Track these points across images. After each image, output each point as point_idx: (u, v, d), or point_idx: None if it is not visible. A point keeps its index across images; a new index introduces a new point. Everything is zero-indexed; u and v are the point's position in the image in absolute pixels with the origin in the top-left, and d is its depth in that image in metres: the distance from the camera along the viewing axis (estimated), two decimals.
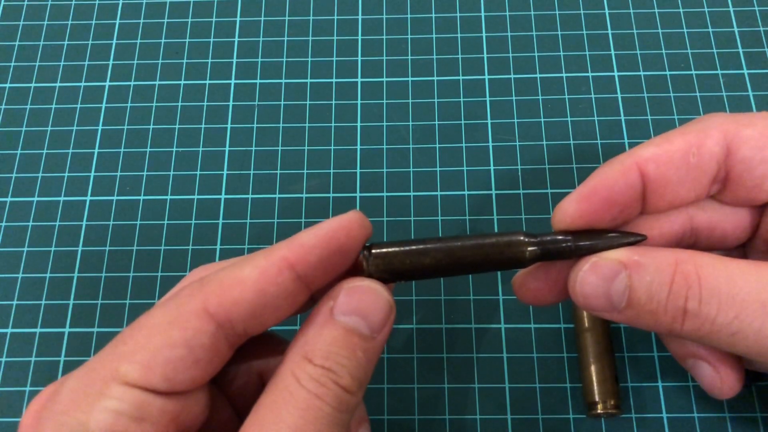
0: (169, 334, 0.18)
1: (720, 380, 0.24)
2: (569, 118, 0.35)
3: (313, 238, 0.20)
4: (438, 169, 0.34)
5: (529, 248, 0.21)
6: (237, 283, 0.19)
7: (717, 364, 0.24)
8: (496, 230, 0.33)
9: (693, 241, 0.24)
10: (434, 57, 0.37)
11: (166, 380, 0.18)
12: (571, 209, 0.21)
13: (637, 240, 0.21)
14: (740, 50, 0.36)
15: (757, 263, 0.20)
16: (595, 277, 0.21)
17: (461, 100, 0.36)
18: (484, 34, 0.37)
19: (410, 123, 0.35)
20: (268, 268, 0.19)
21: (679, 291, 0.20)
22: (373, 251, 0.21)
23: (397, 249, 0.21)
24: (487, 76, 0.36)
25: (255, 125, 0.35)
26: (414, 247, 0.21)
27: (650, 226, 0.23)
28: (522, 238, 0.21)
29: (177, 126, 0.36)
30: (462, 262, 0.21)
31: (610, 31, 0.37)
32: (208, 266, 0.22)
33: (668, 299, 0.20)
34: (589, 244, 0.21)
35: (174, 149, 0.35)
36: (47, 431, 0.17)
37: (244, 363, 0.22)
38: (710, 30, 0.37)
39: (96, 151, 0.35)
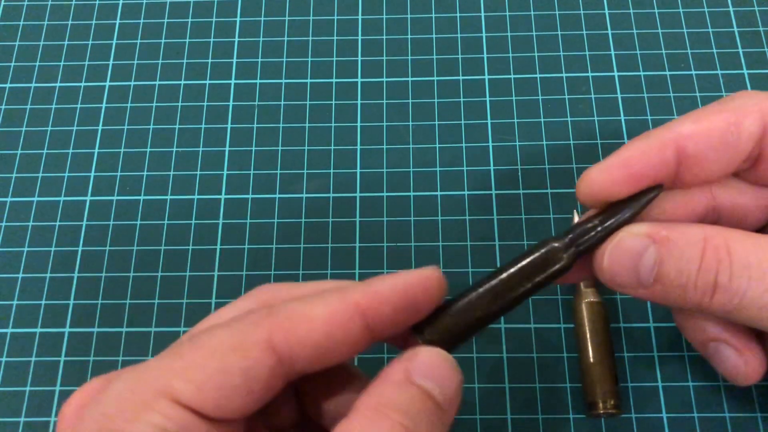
0: (228, 360, 0.17)
1: (744, 363, 0.24)
2: (569, 118, 0.35)
3: (388, 289, 0.19)
4: (438, 169, 0.34)
5: (566, 254, 0.21)
6: (306, 321, 0.18)
7: (740, 346, 0.24)
8: (496, 231, 0.33)
9: (715, 219, 0.24)
10: (434, 57, 0.37)
11: (217, 406, 0.17)
12: (600, 179, 0.21)
13: (655, 194, 0.21)
14: (740, 50, 0.36)
15: None
16: (622, 252, 0.20)
17: (461, 100, 0.36)
18: (484, 34, 0.37)
19: (410, 123, 0.35)
20: (340, 311, 0.18)
21: (709, 265, 0.20)
22: (426, 330, 0.20)
23: (449, 319, 0.20)
24: (487, 76, 0.36)
25: (255, 125, 0.35)
26: (461, 304, 0.20)
27: (674, 202, 0.23)
28: (556, 245, 0.21)
29: (177, 126, 0.36)
30: (511, 297, 0.20)
31: (610, 31, 0.37)
32: (273, 286, 0.21)
33: (699, 274, 0.20)
34: (615, 220, 0.21)
35: (174, 149, 0.35)
36: None
37: (287, 397, 0.21)
38: (710, 30, 0.37)
39: (96, 151, 0.35)
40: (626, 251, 0.20)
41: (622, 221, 0.21)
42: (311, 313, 0.18)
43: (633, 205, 0.21)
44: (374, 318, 0.19)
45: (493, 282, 0.20)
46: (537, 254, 0.21)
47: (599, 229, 0.21)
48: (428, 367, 0.18)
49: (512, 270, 0.21)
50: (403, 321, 0.20)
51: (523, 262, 0.21)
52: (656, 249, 0.20)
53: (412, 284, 0.19)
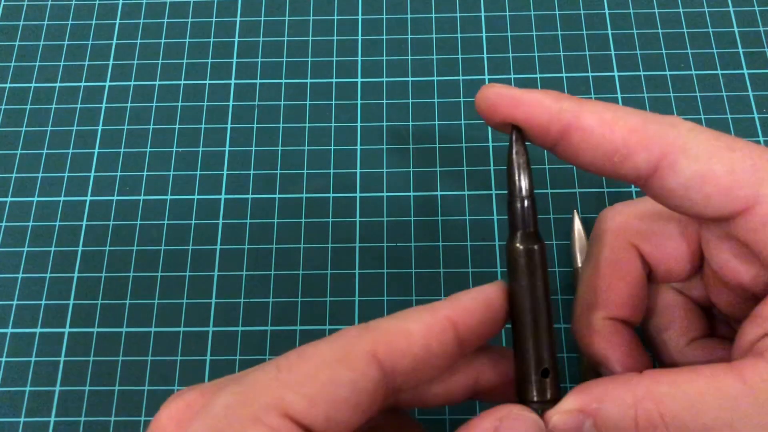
0: (337, 372, 0.17)
1: None
2: None
3: (473, 302, 0.20)
4: (437, 169, 0.34)
5: (518, 245, 0.21)
6: (404, 334, 0.18)
7: None
8: (496, 231, 0.33)
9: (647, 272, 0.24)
10: (434, 57, 0.37)
11: (327, 419, 0.17)
12: (491, 100, 0.21)
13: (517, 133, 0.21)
14: (740, 50, 0.36)
15: (695, 368, 0.19)
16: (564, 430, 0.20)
17: (461, 100, 0.36)
18: (484, 34, 0.37)
19: (410, 123, 0.35)
20: (434, 324, 0.19)
21: (645, 430, 0.19)
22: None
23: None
24: (487, 76, 0.36)
25: (255, 125, 0.35)
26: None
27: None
28: (513, 244, 0.21)
29: (177, 126, 0.36)
30: (525, 305, 0.21)
31: (610, 31, 0.37)
32: None
33: None
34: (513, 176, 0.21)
35: (174, 149, 0.35)
36: None
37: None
38: (710, 30, 0.37)
39: (96, 151, 0.35)
40: (567, 429, 0.20)
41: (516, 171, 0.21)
42: (407, 327, 0.19)
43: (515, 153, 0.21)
44: (464, 331, 0.19)
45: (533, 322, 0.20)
46: (517, 261, 0.21)
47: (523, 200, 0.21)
48: (517, 428, 0.19)
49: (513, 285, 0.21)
50: (484, 335, 0.20)
51: (521, 282, 0.21)
52: (592, 422, 0.20)
53: (491, 298, 0.20)
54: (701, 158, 0.19)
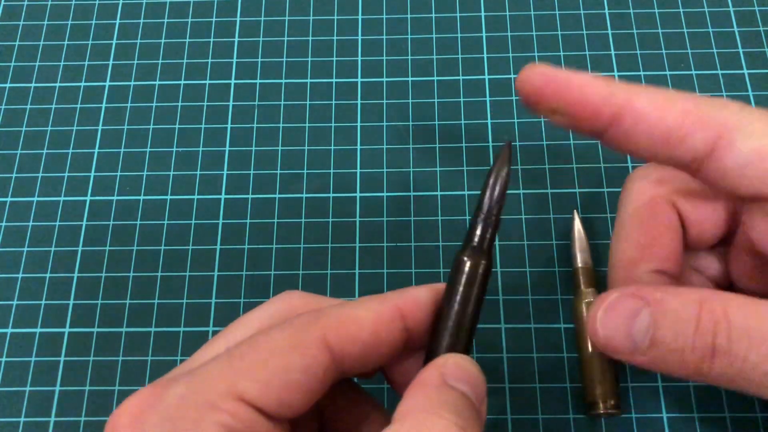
0: (289, 358, 0.18)
1: None
2: None
3: (423, 295, 0.20)
4: (438, 169, 0.34)
5: (466, 257, 0.21)
6: (354, 321, 0.19)
7: None
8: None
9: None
10: (434, 57, 0.37)
11: (280, 405, 0.17)
12: (535, 82, 0.21)
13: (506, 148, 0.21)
14: (740, 50, 0.36)
15: None
16: (615, 315, 0.20)
17: (461, 100, 0.36)
18: (484, 34, 0.37)
19: (410, 123, 0.35)
20: (383, 313, 0.19)
21: (706, 327, 0.19)
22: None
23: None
24: (487, 76, 0.36)
25: (255, 125, 0.35)
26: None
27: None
28: (460, 257, 0.21)
29: (177, 126, 0.36)
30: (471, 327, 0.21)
31: (610, 31, 0.37)
32: (300, 293, 0.22)
33: (695, 335, 0.19)
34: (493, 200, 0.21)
35: (174, 149, 0.35)
36: None
37: (313, 415, 0.22)
38: (710, 30, 0.37)
39: (96, 151, 0.35)
40: (619, 313, 0.20)
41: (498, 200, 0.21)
42: (357, 314, 0.19)
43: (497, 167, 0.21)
44: (412, 322, 0.20)
45: (453, 321, 0.20)
46: (459, 276, 0.21)
47: (481, 217, 0.21)
48: (460, 370, 0.19)
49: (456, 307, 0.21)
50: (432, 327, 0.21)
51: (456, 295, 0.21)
52: (650, 311, 0.20)
53: (440, 292, 0.21)
54: (756, 135, 0.19)
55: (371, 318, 0.19)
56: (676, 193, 0.24)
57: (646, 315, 0.20)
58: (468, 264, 0.21)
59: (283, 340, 0.18)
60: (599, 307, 0.20)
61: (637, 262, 0.24)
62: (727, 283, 0.25)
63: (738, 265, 0.24)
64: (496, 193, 0.21)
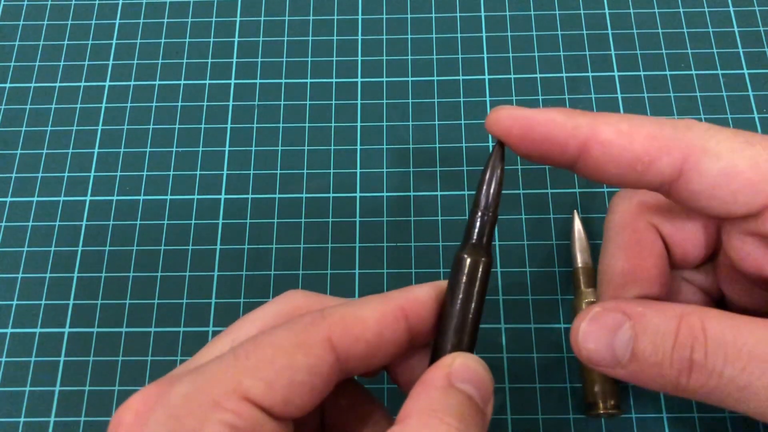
0: (294, 357, 0.18)
1: None
2: None
3: (425, 294, 0.20)
4: (438, 169, 0.34)
5: (466, 255, 0.21)
6: (359, 321, 0.19)
7: None
8: (496, 231, 0.33)
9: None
10: (434, 57, 0.37)
11: (285, 403, 0.17)
12: (505, 123, 0.21)
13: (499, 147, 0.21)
14: (740, 50, 0.36)
15: (763, 320, 0.19)
16: (597, 328, 0.20)
17: (461, 100, 0.36)
18: (484, 34, 0.37)
19: (410, 123, 0.35)
20: (388, 313, 0.20)
21: (684, 341, 0.19)
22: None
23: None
24: (487, 76, 0.36)
25: (255, 125, 0.35)
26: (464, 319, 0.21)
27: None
28: (460, 254, 0.21)
29: (177, 126, 0.36)
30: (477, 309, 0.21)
31: (610, 31, 0.37)
32: (303, 292, 0.22)
33: (674, 350, 0.19)
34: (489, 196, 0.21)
35: (174, 149, 0.35)
36: None
37: (315, 414, 0.22)
38: (710, 30, 0.37)
39: (96, 151, 0.35)
40: (601, 326, 0.20)
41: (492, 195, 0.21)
42: (362, 314, 0.19)
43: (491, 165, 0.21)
44: (415, 322, 0.20)
45: (464, 307, 0.21)
46: (461, 276, 0.21)
47: (481, 216, 0.21)
48: (467, 371, 0.19)
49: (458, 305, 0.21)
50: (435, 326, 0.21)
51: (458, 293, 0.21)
52: (632, 325, 0.20)
53: (443, 291, 0.21)
54: (723, 156, 0.19)
55: (375, 318, 0.19)
56: (657, 214, 0.24)
57: (627, 329, 0.20)
58: (468, 261, 0.21)
59: (288, 340, 0.18)
60: (582, 319, 0.21)
61: (622, 288, 0.24)
62: (718, 294, 0.25)
63: (726, 281, 0.24)
64: (493, 188, 0.21)
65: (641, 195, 0.25)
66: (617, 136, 0.20)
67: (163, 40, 0.38)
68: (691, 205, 0.21)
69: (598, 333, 0.20)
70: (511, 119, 0.21)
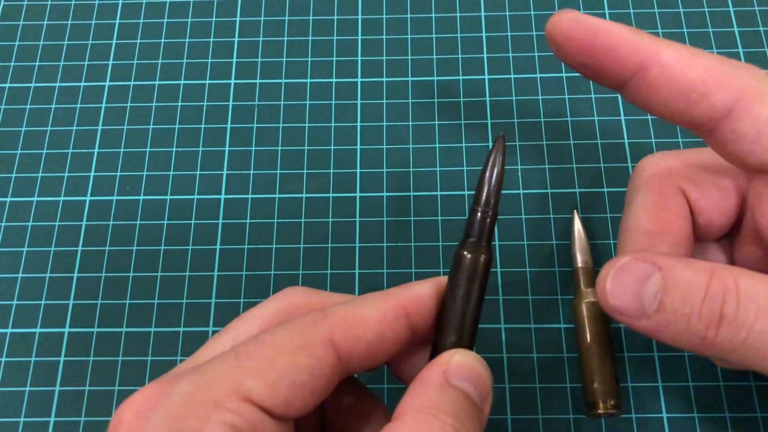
0: (296, 358, 0.18)
1: None
2: (569, 118, 0.35)
3: (428, 290, 0.20)
4: (438, 169, 0.34)
5: (466, 252, 0.21)
6: (360, 321, 0.19)
7: None
8: (496, 231, 0.33)
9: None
10: (434, 57, 0.37)
11: (286, 404, 0.17)
12: (565, 29, 0.21)
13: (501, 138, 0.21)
14: (740, 50, 0.36)
15: None
16: (626, 277, 0.20)
17: (461, 100, 0.36)
18: (484, 34, 0.37)
19: (410, 123, 0.35)
20: (389, 312, 0.20)
21: (715, 294, 0.19)
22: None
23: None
24: (487, 76, 0.36)
25: (255, 125, 0.35)
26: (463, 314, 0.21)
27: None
28: (460, 251, 0.21)
29: (177, 126, 0.36)
30: (479, 303, 0.21)
31: None
32: (303, 289, 0.22)
33: (704, 302, 0.19)
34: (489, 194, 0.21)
35: (174, 149, 0.35)
36: None
37: (316, 414, 0.22)
38: (710, 30, 0.37)
39: (96, 151, 0.35)
40: (630, 275, 0.20)
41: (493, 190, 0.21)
42: (363, 314, 0.19)
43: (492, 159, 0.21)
44: (416, 320, 0.20)
45: (464, 304, 0.21)
46: (463, 272, 0.21)
47: (481, 213, 0.21)
48: (464, 368, 0.19)
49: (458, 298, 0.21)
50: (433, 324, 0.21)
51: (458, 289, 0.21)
52: (662, 275, 0.20)
53: (443, 288, 0.21)
54: None
55: (377, 318, 0.19)
56: (686, 180, 0.24)
57: (657, 278, 0.20)
58: (468, 258, 0.21)
59: (289, 340, 0.18)
60: (610, 267, 0.20)
61: (647, 248, 0.24)
62: None
63: (744, 256, 0.24)
64: (493, 185, 0.21)
65: (670, 159, 0.25)
66: (678, 60, 0.20)
67: (163, 40, 0.38)
68: (730, 149, 0.20)
69: (626, 282, 0.20)
70: (575, 23, 0.20)
